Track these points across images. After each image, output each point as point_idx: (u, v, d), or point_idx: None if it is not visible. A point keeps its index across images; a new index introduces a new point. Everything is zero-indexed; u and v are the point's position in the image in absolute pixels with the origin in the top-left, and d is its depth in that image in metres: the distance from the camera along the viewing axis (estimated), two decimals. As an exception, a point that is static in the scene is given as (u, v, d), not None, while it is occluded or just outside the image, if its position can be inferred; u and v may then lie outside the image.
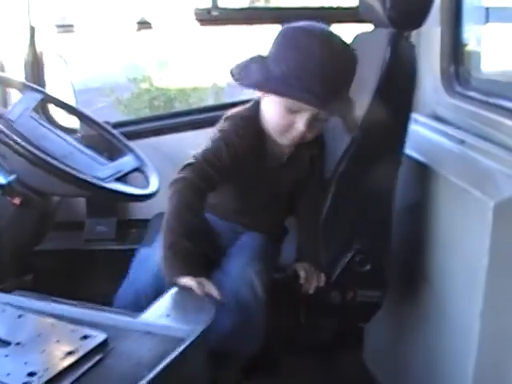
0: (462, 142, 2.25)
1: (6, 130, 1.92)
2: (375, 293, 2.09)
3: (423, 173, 2.20)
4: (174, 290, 1.59)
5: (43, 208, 2.22)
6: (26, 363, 1.27)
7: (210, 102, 7.87)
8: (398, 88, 2.08)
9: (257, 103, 1.97)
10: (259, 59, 1.85)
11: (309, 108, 1.83)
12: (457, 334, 2.08)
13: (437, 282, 2.20)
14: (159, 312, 1.47)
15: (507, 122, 2.13)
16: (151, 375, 1.20)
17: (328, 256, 2.08)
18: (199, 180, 1.87)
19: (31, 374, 1.23)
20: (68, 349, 1.30)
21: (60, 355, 1.28)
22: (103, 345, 1.31)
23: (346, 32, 2.48)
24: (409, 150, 2.21)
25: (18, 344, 1.34)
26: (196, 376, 1.37)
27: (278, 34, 1.87)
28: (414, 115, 2.26)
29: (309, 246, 2.10)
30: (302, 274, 2.01)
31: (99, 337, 1.32)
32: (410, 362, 2.46)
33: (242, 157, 1.93)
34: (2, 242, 2.13)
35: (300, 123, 1.85)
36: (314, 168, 2.11)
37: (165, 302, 1.54)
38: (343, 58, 1.84)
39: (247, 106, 2.01)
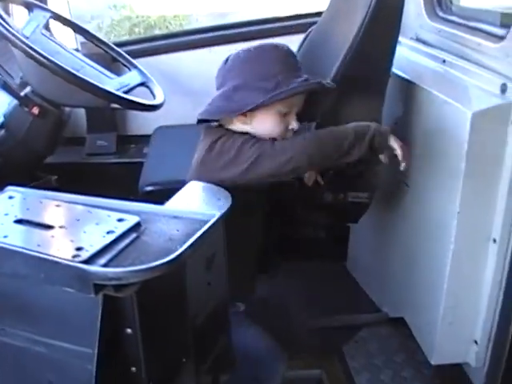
0: (443, 61, 2.43)
1: (28, 42, 2.07)
2: (364, 194, 2.29)
3: (408, 89, 2.40)
4: (190, 183, 1.77)
5: (58, 118, 2.38)
6: (71, 241, 1.45)
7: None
8: (387, 12, 2.24)
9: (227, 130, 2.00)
10: (227, 92, 1.92)
11: (297, 102, 1.93)
12: (435, 233, 2.29)
13: (417, 187, 2.42)
14: (180, 202, 1.66)
15: (484, 42, 2.29)
16: (183, 249, 1.39)
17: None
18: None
19: (78, 249, 1.41)
20: (107, 229, 1.48)
21: (101, 234, 1.46)
22: (137, 226, 1.50)
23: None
24: (395, 69, 2.40)
25: (61, 227, 1.52)
26: (218, 251, 1.57)
27: (230, 62, 1.97)
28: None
29: None
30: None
31: (133, 219, 1.51)
32: (389, 267, 2.68)
33: None
34: (21, 148, 2.29)
35: (293, 122, 1.94)
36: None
37: (183, 194, 1.72)
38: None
39: (226, 135, 1.99)
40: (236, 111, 1.88)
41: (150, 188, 2.36)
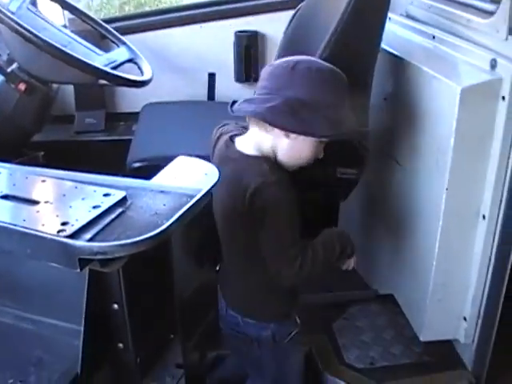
0: (433, 37, 2.42)
1: (14, 18, 2.05)
2: (353, 170, 2.28)
3: (397, 65, 2.39)
4: (178, 158, 1.76)
5: (45, 95, 2.37)
6: (57, 216, 1.44)
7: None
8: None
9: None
10: (293, 102, 1.72)
11: None
12: (424, 210, 2.30)
13: (406, 164, 2.41)
14: (167, 177, 1.65)
15: (474, 18, 2.27)
16: (168, 223, 1.38)
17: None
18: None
19: (64, 224, 1.40)
20: (93, 204, 1.48)
21: (86, 209, 1.46)
22: (123, 200, 1.49)
23: None
24: (384, 46, 2.39)
25: (46, 202, 1.51)
26: (205, 221, 1.57)
27: (304, 71, 1.75)
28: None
29: None
30: None
31: (119, 194, 1.50)
32: (379, 245, 2.69)
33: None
34: (8, 125, 2.28)
35: (321, 148, 1.86)
36: None
37: (170, 169, 1.71)
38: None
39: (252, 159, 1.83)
40: (299, 132, 1.75)
41: (137, 164, 2.35)
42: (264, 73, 1.81)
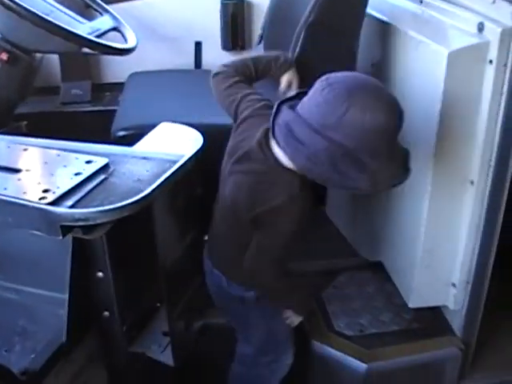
0: (420, 1, 2.39)
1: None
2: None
3: (384, 30, 2.36)
4: (161, 125, 1.75)
5: (28, 65, 2.34)
6: (39, 183, 1.43)
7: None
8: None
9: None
10: (335, 153, 1.55)
11: None
12: (412, 174, 2.27)
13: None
14: (150, 143, 1.64)
15: (462, -19, 2.25)
16: (151, 189, 1.37)
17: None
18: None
19: (45, 191, 1.39)
20: (75, 171, 1.46)
21: (68, 176, 1.45)
22: (106, 167, 1.48)
23: None
24: (370, 10, 2.36)
25: (27, 170, 1.50)
26: (189, 190, 1.56)
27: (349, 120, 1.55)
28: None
29: None
30: None
31: (102, 161, 1.49)
32: (367, 212, 2.66)
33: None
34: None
35: None
36: None
37: (154, 136, 1.70)
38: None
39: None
40: (330, 184, 1.67)
41: (122, 133, 2.32)
42: (318, 90, 1.62)
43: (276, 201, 1.63)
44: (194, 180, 1.75)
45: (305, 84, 1.92)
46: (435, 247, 2.25)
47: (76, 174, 1.45)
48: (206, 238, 1.93)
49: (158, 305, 1.65)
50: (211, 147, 1.72)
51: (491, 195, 2.13)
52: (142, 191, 1.35)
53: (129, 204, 1.30)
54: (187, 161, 1.48)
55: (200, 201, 1.89)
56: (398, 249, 2.44)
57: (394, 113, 1.63)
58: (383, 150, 1.61)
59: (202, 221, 1.88)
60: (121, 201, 1.31)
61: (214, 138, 1.78)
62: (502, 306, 2.54)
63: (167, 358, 1.62)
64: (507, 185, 2.13)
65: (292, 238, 1.71)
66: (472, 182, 2.14)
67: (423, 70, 2.13)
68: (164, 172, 1.44)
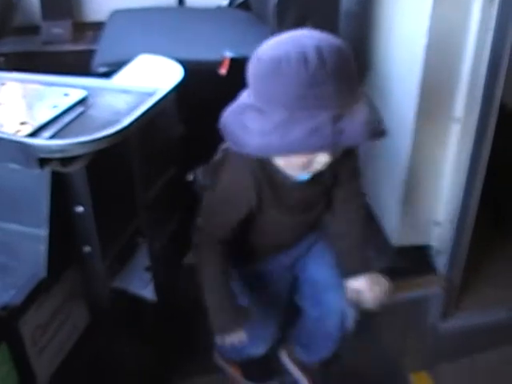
0: None
1: None
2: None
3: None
4: (140, 57, 1.71)
5: (6, 1, 2.29)
6: (16, 116, 1.41)
7: None
8: None
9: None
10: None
11: None
12: (397, 113, 2.26)
13: (380, 68, 2.37)
14: (129, 75, 1.61)
15: None
16: (129, 121, 1.35)
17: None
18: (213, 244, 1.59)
19: (22, 124, 1.37)
20: (52, 103, 1.44)
21: (46, 109, 1.43)
22: (84, 100, 1.46)
23: None
24: None
25: (5, 104, 1.48)
26: (170, 127, 1.53)
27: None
28: None
29: (359, 252, 1.75)
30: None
31: (80, 93, 1.47)
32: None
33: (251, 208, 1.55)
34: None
35: (321, 158, 1.39)
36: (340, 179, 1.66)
37: (133, 68, 1.66)
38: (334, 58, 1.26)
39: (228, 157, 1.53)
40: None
41: (103, 69, 2.27)
42: None
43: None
44: (176, 115, 1.72)
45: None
46: (419, 185, 2.25)
47: (54, 107, 1.43)
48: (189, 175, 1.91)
49: (140, 240, 1.63)
50: (194, 83, 1.70)
51: (477, 132, 2.11)
52: (120, 123, 1.33)
53: (107, 136, 1.28)
54: (167, 93, 1.45)
55: (182, 137, 1.87)
56: (382, 186, 2.43)
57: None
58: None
59: (184, 157, 1.87)
60: (99, 133, 1.29)
61: (197, 74, 1.75)
62: (486, 247, 2.55)
63: (149, 293, 1.61)
64: (493, 122, 2.12)
65: (218, 210, 1.57)
66: (457, 119, 2.12)
67: (408, 6, 2.09)
68: (143, 104, 1.41)
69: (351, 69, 1.29)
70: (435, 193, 2.28)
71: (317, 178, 1.51)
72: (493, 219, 2.68)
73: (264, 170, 1.48)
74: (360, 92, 1.33)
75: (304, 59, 1.22)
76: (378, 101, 2.32)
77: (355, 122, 1.26)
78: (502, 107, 2.07)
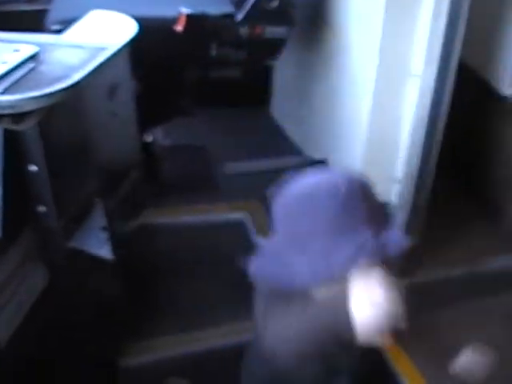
0: None
1: None
2: (282, 29, 2.21)
3: None
4: (92, 12, 1.67)
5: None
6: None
7: None
8: None
9: None
10: None
11: None
12: (357, 72, 2.26)
13: (339, 28, 2.35)
14: (81, 31, 1.57)
15: None
16: (80, 76, 1.32)
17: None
18: None
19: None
20: (2, 60, 1.40)
21: (-6, 65, 1.39)
22: (35, 56, 1.42)
23: None
24: None
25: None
26: (122, 81, 1.50)
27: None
28: None
29: None
30: None
31: (31, 49, 1.43)
32: (313, 111, 2.64)
33: None
34: None
35: None
36: None
37: (85, 23, 1.63)
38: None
39: None
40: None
41: (56, 26, 2.21)
42: None
43: None
44: (130, 72, 1.69)
45: None
46: (379, 142, 2.25)
47: (3, 63, 1.39)
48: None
49: (96, 200, 1.61)
50: (150, 40, 1.67)
51: (434, 89, 2.11)
52: (71, 78, 1.30)
53: (57, 91, 1.25)
54: (120, 49, 1.42)
55: (138, 96, 1.84)
56: (342, 145, 2.43)
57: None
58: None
59: (141, 117, 1.84)
60: (50, 87, 1.26)
61: (153, 31, 1.72)
62: (445, 205, 2.57)
63: (106, 252, 1.59)
64: (451, 78, 2.12)
65: None
66: (415, 75, 2.12)
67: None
68: (95, 59, 1.38)
69: (373, 196, 1.30)
70: (395, 150, 2.28)
71: None
72: (453, 178, 2.70)
73: None
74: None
75: (334, 189, 1.22)
76: (339, 59, 2.33)
77: (389, 234, 1.25)
78: (462, 67, 2.08)
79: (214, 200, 2.43)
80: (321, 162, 2.57)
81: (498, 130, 2.57)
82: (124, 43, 1.44)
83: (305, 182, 1.27)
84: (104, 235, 1.59)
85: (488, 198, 2.65)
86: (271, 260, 1.28)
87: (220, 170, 2.56)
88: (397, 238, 1.24)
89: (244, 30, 2.14)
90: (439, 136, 2.23)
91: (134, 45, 1.60)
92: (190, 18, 2.05)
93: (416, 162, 2.25)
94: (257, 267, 1.27)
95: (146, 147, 2.37)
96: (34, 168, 1.40)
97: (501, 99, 2.49)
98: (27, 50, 1.42)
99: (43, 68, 1.38)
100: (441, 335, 2.29)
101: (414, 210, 2.36)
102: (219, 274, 2.30)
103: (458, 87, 2.17)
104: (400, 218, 2.40)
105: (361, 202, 1.25)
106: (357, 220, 1.23)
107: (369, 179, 1.32)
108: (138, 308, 2.10)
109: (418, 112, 2.17)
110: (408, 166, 2.28)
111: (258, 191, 2.54)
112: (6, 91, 1.30)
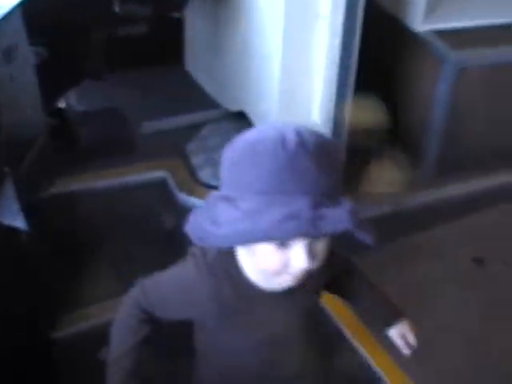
0: None
1: None
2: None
3: None
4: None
5: None
6: None
7: None
8: None
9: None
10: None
11: None
12: (266, 19, 2.23)
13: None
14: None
15: None
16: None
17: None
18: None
19: None
20: None
21: None
22: None
23: None
24: None
25: None
26: (19, 42, 1.45)
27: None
28: None
29: (384, 308, 1.54)
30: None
31: None
32: (227, 63, 2.61)
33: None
34: None
35: (298, 258, 1.13)
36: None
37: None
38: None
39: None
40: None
41: None
42: None
43: None
44: (27, 34, 1.62)
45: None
46: (293, 87, 2.25)
47: None
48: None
49: (6, 170, 1.55)
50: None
51: (344, 31, 2.11)
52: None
53: None
54: (13, 8, 1.36)
55: (43, 61, 1.78)
56: (257, 94, 2.42)
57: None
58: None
59: (49, 82, 1.78)
60: None
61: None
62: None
63: (21, 223, 1.54)
64: (360, 17, 2.12)
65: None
66: (323, 17, 2.11)
67: None
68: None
69: (335, 160, 1.14)
70: (309, 95, 2.27)
71: (294, 293, 1.27)
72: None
73: (229, 274, 1.25)
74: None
75: (282, 139, 1.08)
76: (246, 7, 2.30)
77: (338, 210, 1.08)
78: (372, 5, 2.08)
79: (132, 161, 2.38)
80: (238, 114, 2.55)
81: (410, 67, 2.57)
82: (17, 2, 1.37)
83: (256, 130, 1.17)
84: (16, 205, 1.53)
85: (406, 136, 2.67)
86: (201, 214, 1.14)
87: (137, 130, 2.51)
88: (342, 216, 1.07)
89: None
90: (352, 77, 2.22)
91: (31, 5, 1.54)
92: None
93: (331, 106, 2.25)
94: (190, 219, 1.16)
95: (59, 113, 2.31)
96: None
97: (413, 36, 2.49)
98: None
99: None
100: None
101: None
102: (146, 235, 2.27)
103: (370, 26, 2.16)
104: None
105: (312, 163, 1.08)
106: (302, 183, 1.08)
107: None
108: (69, 278, 2.06)
109: (328, 55, 2.16)
110: (323, 112, 2.28)
111: (177, 148, 2.52)
112: None
